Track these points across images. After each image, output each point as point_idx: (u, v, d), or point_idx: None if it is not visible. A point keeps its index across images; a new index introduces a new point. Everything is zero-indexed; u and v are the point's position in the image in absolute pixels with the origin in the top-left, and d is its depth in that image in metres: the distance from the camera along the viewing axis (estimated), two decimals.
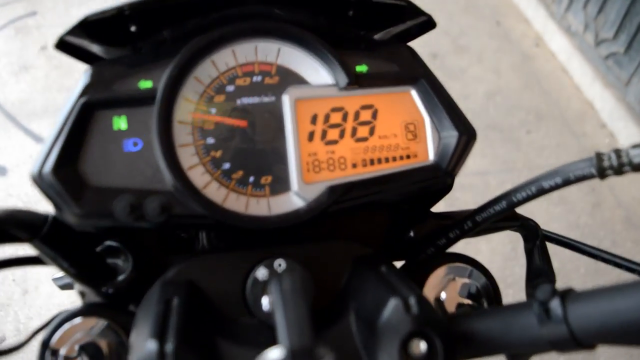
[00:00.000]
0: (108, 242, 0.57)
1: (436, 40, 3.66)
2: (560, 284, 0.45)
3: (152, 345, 0.39)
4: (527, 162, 2.91)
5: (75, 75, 3.41)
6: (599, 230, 2.62)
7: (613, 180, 2.80)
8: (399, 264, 0.64)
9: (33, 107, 3.29)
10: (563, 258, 2.42)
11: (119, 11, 0.51)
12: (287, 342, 0.33)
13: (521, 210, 0.67)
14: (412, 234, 0.63)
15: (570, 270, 2.39)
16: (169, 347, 0.39)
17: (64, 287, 0.91)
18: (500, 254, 2.46)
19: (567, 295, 0.39)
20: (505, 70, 3.54)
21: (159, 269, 0.56)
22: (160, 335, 0.40)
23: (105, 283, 0.55)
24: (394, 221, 0.64)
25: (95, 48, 0.55)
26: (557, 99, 3.34)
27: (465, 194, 2.65)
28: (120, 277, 0.55)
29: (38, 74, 3.52)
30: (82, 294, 0.59)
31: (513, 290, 2.24)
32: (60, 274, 0.90)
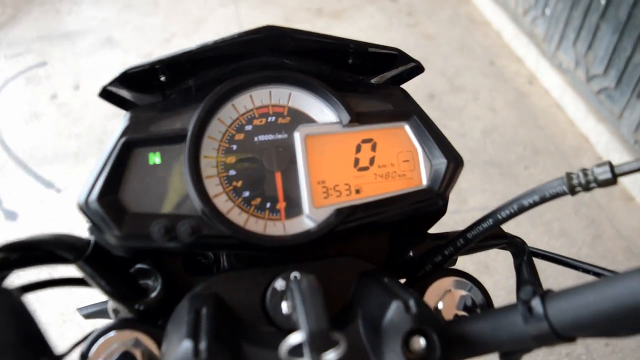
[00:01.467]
0: (139, 265, 0.64)
1: (433, 80, 3.74)
2: None
3: (187, 343, 0.45)
4: None
5: (85, 122, 3.52)
6: (600, 261, 2.61)
7: (613, 212, 2.83)
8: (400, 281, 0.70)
9: (43, 154, 3.35)
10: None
11: (152, 65, 0.59)
12: (306, 326, 0.40)
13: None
14: (411, 253, 0.69)
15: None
16: (203, 344, 0.45)
17: (87, 316, 0.97)
18: (504, 288, 2.48)
19: (546, 295, 0.43)
20: (501, 108, 3.59)
21: (184, 288, 0.62)
22: (194, 335, 0.47)
23: (137, 301, 0.61)
24: (394, 242, 0.70)
25: (128, 95, 0.64)
26: (552, 134, 3.39)
27: None
28: (152, 295, 0.61)
29: (48, 122, 3.60)
30: (116, 312, 0.66)
31: None
32: (84, 304, 0.97)
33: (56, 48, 4.40)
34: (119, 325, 0.59)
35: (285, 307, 0.56)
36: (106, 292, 0.59)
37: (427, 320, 0.47)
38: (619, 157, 3.03)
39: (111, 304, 0.66)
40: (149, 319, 0.62)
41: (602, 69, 3.18)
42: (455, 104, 3.64)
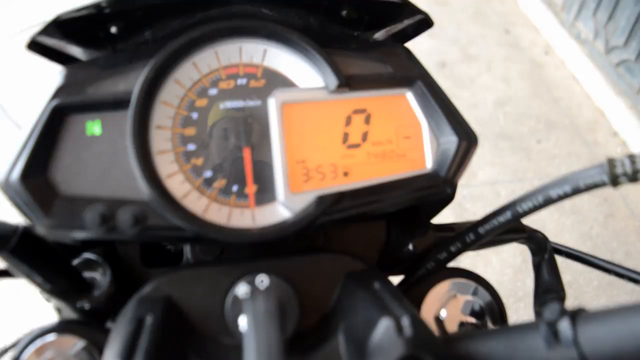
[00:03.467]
0: (87, 255, 0.54)
1: (445, 48, 3.64)
2: (571, 299, 0.41)
3: None
4: (537, 172, 2.86)
5: None
6: (612, 241, 2.56)
7: (626, 190, 2.74)
8: (397, 279, 0.60)
9: None
10: (575, 270, 2.36)
11: (97, 10, 0.48)
12: None
13: (531, 219, 0.63)
14: (411, 247, 0.60)
15: (582, 284, 2.33)
16: None
17: None
18: (511, 266, 2.41)
19: (577, 315, 0.35)
20: (515, 79, 3.50)
21: (141, 283, 0.52)
22: (127, 357, 0.37)
23: (80, 298, 0.51)
24: (392, 233, 0.61)
25: (73, 50, 0.53)
26: (567, 108, 3.30)
27: (474, 205, 2.60)
28: (97, 292, 0.52)
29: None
30: (59, 310, 0.56)
31: (524, 303, 2.18)
32: None
33: None
34: (58, 327, 0.51)
35: (243, 324, 0.45)
36: (41, 287, 0.50)
37: (423, 344, 0.37)
38: (636, 133, 2.93)
39: (53, 302, 0.56)
40: (96, 320, 0.52)
41: (623, 41, 3.05)
42: (467, 73, 3.52)
